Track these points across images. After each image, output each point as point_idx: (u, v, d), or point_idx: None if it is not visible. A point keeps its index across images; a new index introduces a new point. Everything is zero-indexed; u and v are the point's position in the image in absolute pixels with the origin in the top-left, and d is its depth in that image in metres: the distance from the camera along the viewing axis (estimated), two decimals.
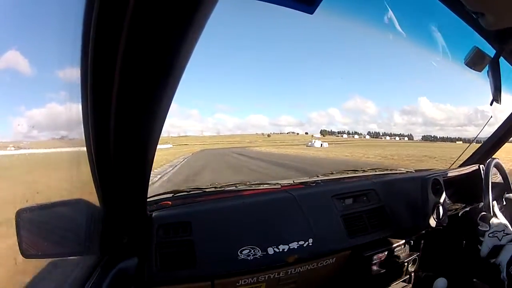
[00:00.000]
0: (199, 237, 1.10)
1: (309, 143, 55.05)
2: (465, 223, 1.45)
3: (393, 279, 1.49)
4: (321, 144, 52.15)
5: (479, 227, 1.24)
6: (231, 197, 1.37)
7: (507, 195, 1.41)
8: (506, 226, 1.18)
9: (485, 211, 1.26)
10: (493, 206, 1.25)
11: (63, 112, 0.77)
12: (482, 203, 1.32)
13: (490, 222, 1.20)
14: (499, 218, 1.22)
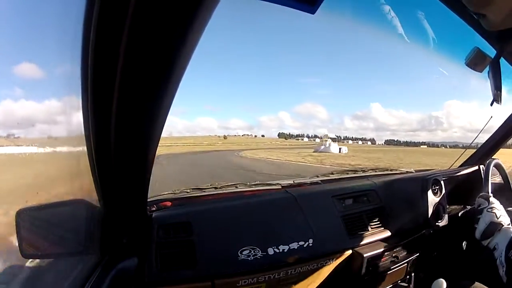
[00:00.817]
0: (199, 237, 1.10)
1: (321, 147, 38.84)
2: (465, 224, 1.45)
3: (393, 279, 1.49)
4: (340, 149, 36.51)
5: (476, 204, 1.27)
6: (232, 197, 1.37)
7: (510, 208, 1.41)
8: (502, 209, 1.21)
9: (484, 191, 1.28)
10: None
11: (64, 112, 0.77)
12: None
13: (490, 199, 1.22)
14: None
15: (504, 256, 1.05)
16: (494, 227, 1.15)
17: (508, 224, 1.15)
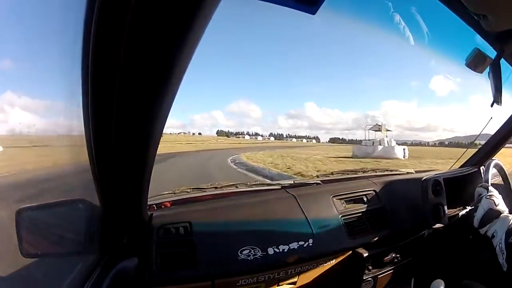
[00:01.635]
0: (199, 237, 1.10)
1: (374, 149, 24.51)
2: (465, 224, 1.45)
3: (393, 280, 1.49)
4: (404, 152, 23.87)
5: (476, 193, 1.28)
6: (231, 197, 1.37)
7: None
8: (501, 199, 1.22)
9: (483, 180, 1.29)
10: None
11: (64, 112, 0.77)
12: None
13: (489, 188, 1.23)
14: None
15: (504, 242, 1.05)
16: (493, 214, 1.15)
17: (507, 212, 1.15)
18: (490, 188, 1.23)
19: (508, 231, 1.06)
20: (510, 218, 1.12)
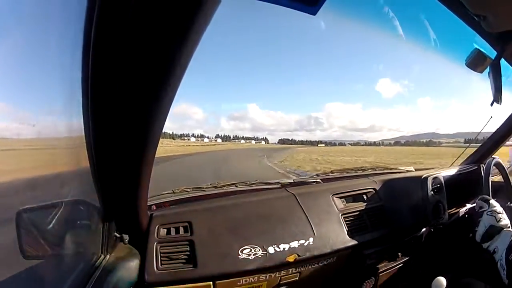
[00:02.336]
0: (199, 236, 1.11)
1: None
2: (465, 222, 1.45)
3: (393, 277, 1.50)
4: None
5: (476, 206, 1.26)
6: (232, 196, 1.37)
7: (509, 204, 1.42)
8: (503, 212, 1.20)
9: (484, 193, 1.27)
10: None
11: (64, 112, 0.77)
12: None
13: (490, 202, 1.22)
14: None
15: (505, 259, 1.05)
16: (494, 230, 1.15)
17: (508, 227, 1.15)
18: (491, 201, 1.22)
19: (509, 248, 1.06)
20: (510, 234, 1.11)
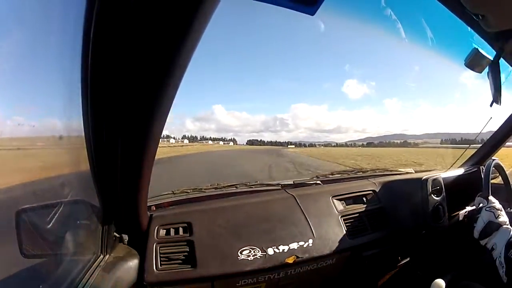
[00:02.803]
0: (199, 237, 1.11)
1: None
2: (464, 224, 1.45)
3: (393, 279, 1.49)
4: None
5: (476, 203, 1.26)
6: (231, 197, 1.37)
7: (509, 210, 1.41)
8: (502, 209, 1.20)
9: (483, 191, 1.27)
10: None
11: (64, 112, 0.78)
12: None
13: (489, 198, 1.22)
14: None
15: (504, 256, 1.04)
16: (493, 226, 1.14)
17: (507, 224, 1.14)
18: (490, 198, 1.22)
19: (508, 245, 1.06)
20: (510, 230, 1.11)
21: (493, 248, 1.10)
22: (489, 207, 1.19)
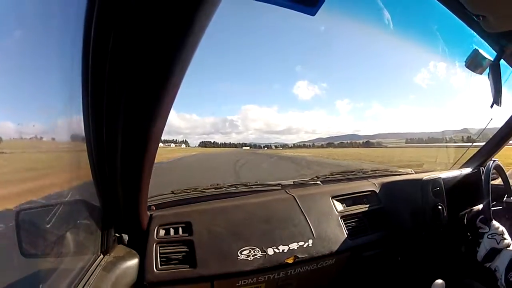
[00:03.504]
0: (199, 237, 1.11)
1: None
2: (464, 225, 1.45)
3: (392, 280, 1.49)
4: None
5: (479, 230, 1.24)
6: (231, 197, 1.37)
7: (506, 199, 1.41)
8: (504, 232, 1.19)
9: (484, 214, 1.26)
10: (492, 210, 1.26)
11: (64, 112, 0.78)
12: (482, 205, 1.32)
13: (491, 224, 1.21)
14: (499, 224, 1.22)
15: (504, 278, 1.06)
16: (495, 252, 1.15)
17: (508, 246, 1.15)
18: (493, 223, 1.21)
19: (508, 268, 1.07)
20: (510, 253, 1.12)
21: (496, 270, 1.12)
22: (491, 234, 1.19)
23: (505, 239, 1.17)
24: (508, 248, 1.14)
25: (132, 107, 0.58)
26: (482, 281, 1.27)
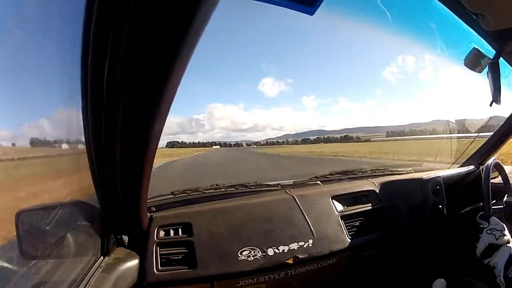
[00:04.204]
0: (199, 238, 1.11)
1: None
2: (465, 224, 1.45)
3: (393, 279, 1.49)
4: None
5: (479, 226, 1.25)
6: (231, 198, 1.37)
7: (507, 199, 1.41)
8: (504, 228, 1.19)
9: (484, 211, 1.27)
10: (492, 207, 1.26)
11: (64, 113, 0.77)
12: (482, 204, 1.32)
13: (490, 219, 1.21)
14: (499, 220, 1.23)
15: (503, 275, 1.07)
16: (494, 248, 1.16)
17: (508, 242, 1.15)
18: (491, 219, 1.22)
19: (507, 264, 1.08)
20: (510, 249, 1.13)
21: (495, 267, 1.12)
22: (490, 229, 1.19)
23: (504, 235, 1.17)
24: (507, 245, 1.14)
25: (132, 108, 0.58)
26: (482, 278, 1.27)
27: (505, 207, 1.33)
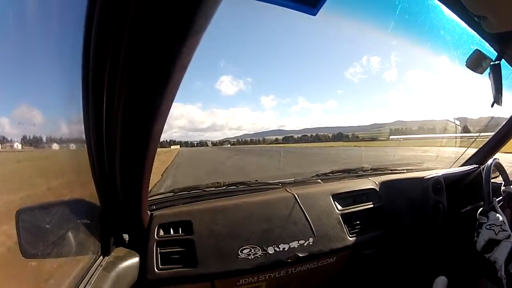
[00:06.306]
0: (199, 236, 1.11)
1: None
2: (465, 222, 1.45)
3: (394, 277, 1.49)
4: None
5: (479, 221, 1.25)
6: (232, 196, 1.37)
7: (504, 189, 1.42)
8: (504, 223, 1.20)
9: (484, 207, 1.27)
10: (493, 203, 1.26)
11: (64, 112, 0.77)
12: (482, 203, 1.33)
13: (488, 214, 1.22)
14: (498, 215, 1.23)
15: (504, 270, 1.08)
16: (493, 243, 1.16)
17: (508, 238, 1.16)
18: (491, 214, 1.22)
19: (508, 259, 1.09)
20: (510, 244, 1.13)
21: (495, 262, 1.12)
22: (489, 224, 1.20)
23: (504, 230, 1.17)
24: (507, 239, 1.15)
25: (132, 107, 0.58)
26: (483, 273, 1.28)
27: (504, 197, 1.35)
